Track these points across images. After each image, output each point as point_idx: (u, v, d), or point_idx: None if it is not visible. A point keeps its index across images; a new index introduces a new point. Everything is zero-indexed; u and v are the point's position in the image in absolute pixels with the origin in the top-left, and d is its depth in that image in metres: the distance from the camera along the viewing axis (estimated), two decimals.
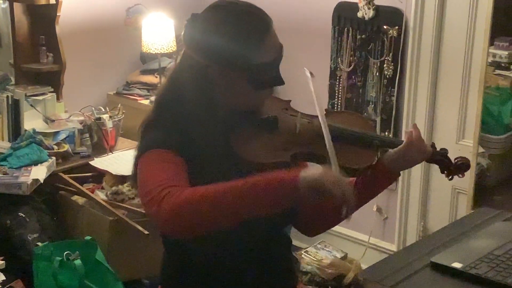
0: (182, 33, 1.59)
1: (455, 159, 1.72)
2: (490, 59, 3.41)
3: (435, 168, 1.81)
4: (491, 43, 3.31)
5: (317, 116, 1.62)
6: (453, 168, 1.71)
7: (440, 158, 1.71)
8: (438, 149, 1.73)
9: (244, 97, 1.59)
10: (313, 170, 1.40)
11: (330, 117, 1.70)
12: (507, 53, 3.60)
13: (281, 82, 1.62)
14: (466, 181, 3.32)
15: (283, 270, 1.75)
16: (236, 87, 1.57)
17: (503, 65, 3.60)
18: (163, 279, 1.76)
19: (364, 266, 3.46)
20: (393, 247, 3.68)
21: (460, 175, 1.73)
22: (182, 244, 1.62)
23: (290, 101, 1.74)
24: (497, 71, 3.61)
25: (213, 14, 1.57)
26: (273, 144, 1.60)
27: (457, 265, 1.66)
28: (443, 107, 3.39)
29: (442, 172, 1.73)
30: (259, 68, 1.54)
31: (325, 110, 1.72)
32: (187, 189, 1.42)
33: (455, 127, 3.32)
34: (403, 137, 1.78)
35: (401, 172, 1.71)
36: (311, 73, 1.70)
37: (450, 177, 1.73)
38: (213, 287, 1.66)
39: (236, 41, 1.52)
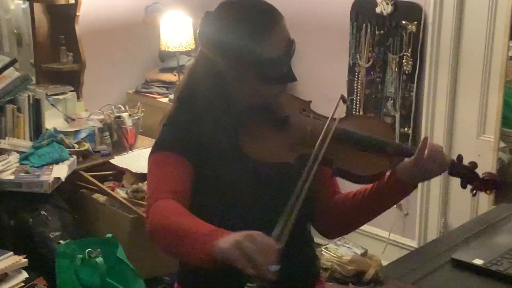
0: (198, 30, 1.62)
1: (483, 174, 1.61)
2: (511, 53, 3.38)
3: None
4: (511, 37, 3.28)
5: (333, 119, 1.57)
6: (478, 183, 1.60)
7: (461, 172, 1.59)
8: (466, 163, 1.59)
9: (254, 93, 1.59)
10: (229, 239, 1.30)
11: (349, 120, 1.63)
12: None
13: (292, 78, 1.59)
14: None
15: (303, 267, 1.71)
16: (245, 82, 1.57)
17: None
18: (179, 277, 1.75)
19: (384, 263, 3.45)
20: (414, 244, 3.66)
21: (487, 192, 1.62)
22: None
23: (310, 102, 1.69)
24: None
25: (222, 11, 1.60)
26: (280, 143, 1.55)
27: (478, 261, 1.65)
28: (463, 102, 3.36)
29: (463, 186, 1.62)
30: (265, 63, 1.54)
31: (345, 113, 1.65)
32: (164, 206, 1.44)
33: (476, 122, 3.30)
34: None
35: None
36: (343, 100, 1.64)
37: (474, 192, 1.62)
38: (229, 280, 1.58)
39: (242, 36, 1.53)
